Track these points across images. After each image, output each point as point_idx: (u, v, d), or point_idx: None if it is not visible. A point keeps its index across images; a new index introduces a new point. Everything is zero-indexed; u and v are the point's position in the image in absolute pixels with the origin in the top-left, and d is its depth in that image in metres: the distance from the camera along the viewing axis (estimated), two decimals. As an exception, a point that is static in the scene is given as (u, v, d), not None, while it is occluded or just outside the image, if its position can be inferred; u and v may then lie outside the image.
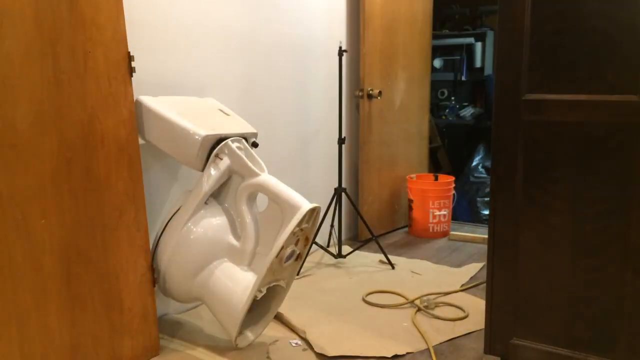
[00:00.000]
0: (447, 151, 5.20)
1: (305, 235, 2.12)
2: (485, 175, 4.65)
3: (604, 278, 1.68)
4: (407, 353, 2.11)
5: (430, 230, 3.78)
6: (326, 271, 3.06)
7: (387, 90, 3.66)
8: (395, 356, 2.08)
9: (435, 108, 5.04)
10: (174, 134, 2.06)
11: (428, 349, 2.14)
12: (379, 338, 2.23)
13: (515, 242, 1.81)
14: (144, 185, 2.01)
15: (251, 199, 2.14)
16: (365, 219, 3.33)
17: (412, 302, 2.58)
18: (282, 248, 1.97)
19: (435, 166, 5.07)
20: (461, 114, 4.97)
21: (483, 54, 4.90)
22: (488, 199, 4.36)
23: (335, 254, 3.19)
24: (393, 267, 3.08)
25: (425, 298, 2.58)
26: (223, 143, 2.07)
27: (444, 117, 4.92)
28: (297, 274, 2.75)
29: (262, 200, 2.13)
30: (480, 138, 5.01)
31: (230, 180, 2.17)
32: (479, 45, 4.86)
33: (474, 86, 5.14)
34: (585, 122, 1.66)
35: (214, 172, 2.07)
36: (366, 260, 3.23)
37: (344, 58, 3.09)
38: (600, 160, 1.65)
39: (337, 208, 3.20)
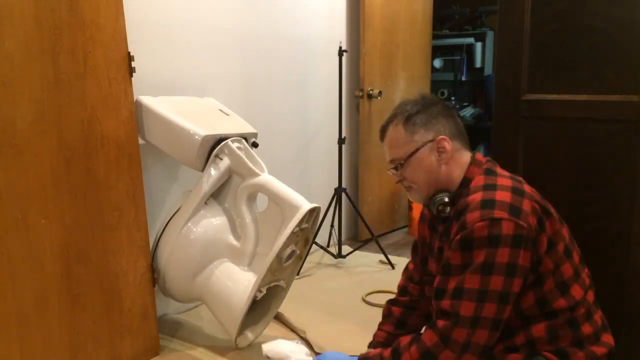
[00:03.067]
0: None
1: (305, 236, 2.12)
2: (485, 175, 4.63)
3: (605, 278, 1.67)
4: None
5: (430, 230, 3.77)
6: (326, 271, 3.06)
7: (387, 90, 3.65)
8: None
9: (435, 108, 5.03)
10: (173, 134, 2.05)
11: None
12: (379, 338, 2.23)
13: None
14: (144, 185, 2.01)
15: (251, 199, 2.14)
16: (365, 219, 3.33)
17: (412, 302, 2.57)
18: (282, 248, 1.97)
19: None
20: (461, 114, 4.96)
21: (483, 54, 4.89)
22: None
23: (335, 254, 3.19)
24: (393, 267, 3.08)
25: (425, 298, 2.58)
26: (223, 143, 2.07)
27: (444, 117, 4.92)
28: (297, 274, 2.74)
29: (262, 200, 2.13)
30: (480, 138, 5.00)
31: (230, 180, 2.17)
32: (479, 45, 4.86)
33: (474, 86, 5.14)
34: (586, 122, 1.66)
35: (214, 172, 2.06)
36: (366, 260, 3.23)
37: (344, 58, 3.09)
38: (601, 160, 1.65)
39: (337, 208, 3.20)
